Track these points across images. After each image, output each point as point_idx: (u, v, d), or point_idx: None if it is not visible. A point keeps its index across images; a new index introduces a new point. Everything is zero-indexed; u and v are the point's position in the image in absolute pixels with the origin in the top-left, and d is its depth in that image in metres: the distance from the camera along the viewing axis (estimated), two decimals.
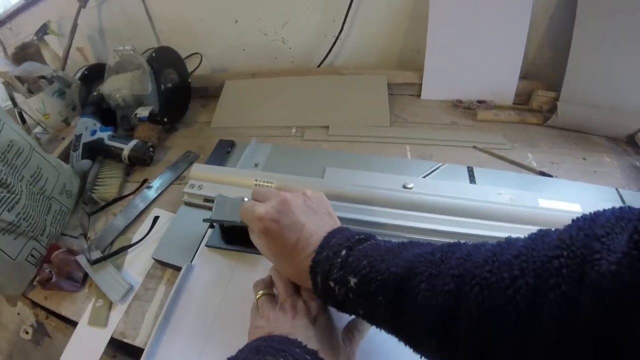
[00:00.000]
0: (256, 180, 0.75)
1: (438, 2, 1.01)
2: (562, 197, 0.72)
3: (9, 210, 0.67)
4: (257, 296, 0.52)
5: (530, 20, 1.00)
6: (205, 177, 0.79)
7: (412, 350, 0.39)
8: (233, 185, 0.77)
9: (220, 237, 0.69)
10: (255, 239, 0.53)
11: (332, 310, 0.49)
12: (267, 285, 0.53)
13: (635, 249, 0.24)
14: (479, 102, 1.05)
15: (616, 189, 0.77)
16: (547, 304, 0.28)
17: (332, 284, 0.42)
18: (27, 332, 0.87)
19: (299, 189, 0.53)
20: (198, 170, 0.81)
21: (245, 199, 0.62)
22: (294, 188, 0.54)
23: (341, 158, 0.87)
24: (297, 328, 0.44)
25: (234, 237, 0.67)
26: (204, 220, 0.65)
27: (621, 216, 0.29)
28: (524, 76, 1.10)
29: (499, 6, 1.00)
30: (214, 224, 0.69)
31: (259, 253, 0.54)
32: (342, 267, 0.42)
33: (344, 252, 0.43)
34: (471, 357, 0.33)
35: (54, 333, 0.67)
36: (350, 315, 0.46)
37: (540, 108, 1.03)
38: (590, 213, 0.31)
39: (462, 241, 0.39)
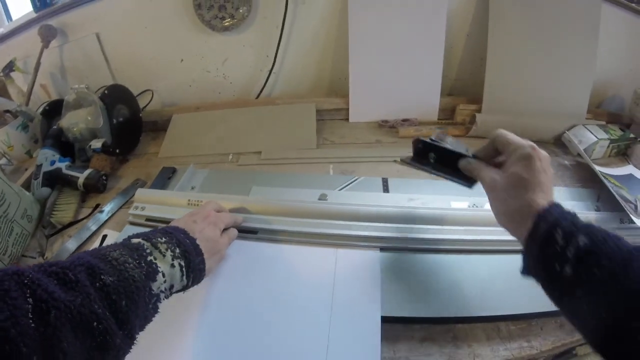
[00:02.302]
0: (189, 201, 0.87)
1: (356, 31, 1.12)
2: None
3: None
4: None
5: (447, 40, 1.09)
6: (147, 200, 0.91)
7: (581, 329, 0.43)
8: (169, 205, 0.88)
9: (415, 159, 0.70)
10: (487, 169, 0.56)
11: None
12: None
13: None
14: (404, 120, 1.14)
15: None
16: None
17: (559, 232, 0.43)
18: None
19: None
20: (141, 194, 0.92)
21: None
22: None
23: (268, 178, 0.98)
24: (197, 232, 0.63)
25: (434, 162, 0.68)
26: (416, 140, 0.68)
27: None
28: (448, 93, 1.21)
29: (415, 30, 1.09)
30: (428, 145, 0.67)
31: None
32: (576, 225, 0.44)
33: (579, 217, 0.45)
34: None
35: None
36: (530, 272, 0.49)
37: (464, 121, 1.11)
38: None
39: None
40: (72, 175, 1.04)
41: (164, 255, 0.54)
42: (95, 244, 0.90)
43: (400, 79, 1.15)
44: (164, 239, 0.56)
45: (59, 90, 1.44)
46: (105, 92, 1.12)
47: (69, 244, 0.91)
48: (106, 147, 1.09)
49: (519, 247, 0.51)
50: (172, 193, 0.93)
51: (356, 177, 0.95)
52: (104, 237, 0.90)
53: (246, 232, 0.81)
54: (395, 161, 1.01)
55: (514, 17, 1.04)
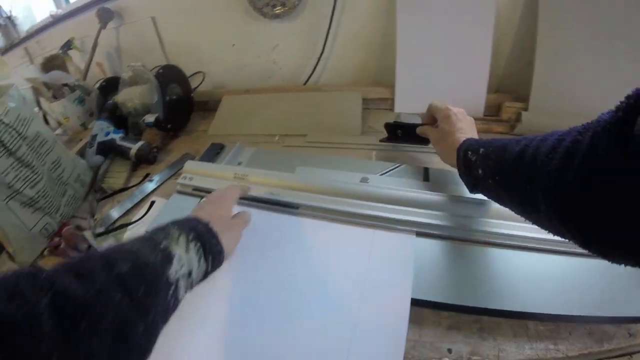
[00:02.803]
0: (235, 174, 0.89)
1: (404, 23, 1.12)
2: None
3: (31, 187, 0.83)
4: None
5: (495, 36, 1.07)
6: (196, 171, 0.94)
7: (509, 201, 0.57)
8: (216, 177, 0.91)
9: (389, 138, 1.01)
10: (431, 129, 0.85)
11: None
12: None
13: None
14: None
15: None
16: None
17: (469, 152, 0.64)
18: None
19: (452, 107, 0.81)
20: (190, 165, 0.96)
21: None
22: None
23: (312, 159, 0.99)
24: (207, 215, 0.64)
25: (402, 136, 0.99)
26: (386, 124, 0.99)
27: None
28: (496, 90, 1.18)
29: (463, 24, 1.08)
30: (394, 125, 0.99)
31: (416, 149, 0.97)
32: (478, 143, 0.63)
33: (481, 141, 0.64)
34: None
35: None
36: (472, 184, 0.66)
37: (509, 119, 1.09)
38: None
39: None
40: (125, 146, 1.09)
41: (178, 241, 0.53)
42: (143, 209, 0.93)
43: (447, 72, 1.14)
44: (175, 227, 0.55)
45: (114, 68, 1.51)
46: (160, 71, 1.16)
47: (121, 206, 0.95)
48: (158, 122, 1.13)
49: (557, 247, 0.67)
50: (219, 166, 0.95)
51: (397, 165, 0.94)
52: (152, 203, 0.94)
53: (288, 207, 0.83)
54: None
55: (566, 10, 1.00)
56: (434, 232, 0.74)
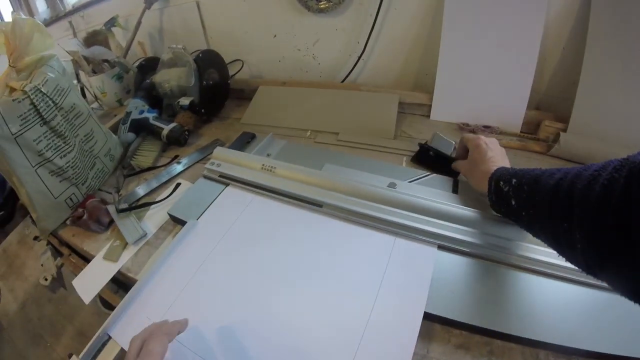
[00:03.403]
0: (263, 165, 0.89)
1: (449, 31, 1.10)
2: None
3: (61, 157, 0.84)
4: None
5: (540, 52, 1.04)
6: (224, 158, 0.94)
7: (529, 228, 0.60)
8: (244, 166, 0.91)
9: (419, 159, 1.00)
10: (462, 162, 0.84)
11: None
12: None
13: None
14: (485, 127, 1.10)
15: None
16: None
17: (501, 183, 0.64)
18: (46, 279, 1.01)
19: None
20: (219, 152, 0.95)
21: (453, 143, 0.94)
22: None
23: (342, 158, 0.98)
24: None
25: (431, 163, 0.97)
26: (420, 145, 0.98)
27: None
28: (536, 107, 1.16)
29: (509, 37, 1.05)
30: (428, 148, 0.97)
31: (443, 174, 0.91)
32: (510, 174, 0.63)
33: (512, 170, 0.64)
34: None
35: (71, 277, 0.81)
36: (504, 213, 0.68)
37: (547, 138, 1.05)
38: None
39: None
40: (157, 125, 1.09)
41: None
42: (168, 190, 0.93)
43: (488, 84, 1.12)
44: None
45: (154, 49, 1.52)
46: (200, 55, 1.17)
47: (147, 184, 0.96)
48: (193, 106, 1.14)
49: (582, 278, 0.65)
50: (248, 155, 0.94)
51: (427, 174, 0.92)
52: (178, 185, 0.94)
53: (311, 204, 0.82)
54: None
55: (616, 34, 0.97)
56: (457, 247, 0.71)
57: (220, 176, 0.92)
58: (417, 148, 1.00)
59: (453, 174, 0.91)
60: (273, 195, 0.85)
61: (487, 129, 1.10)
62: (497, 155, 0.75)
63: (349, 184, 0.82)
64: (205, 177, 0.93)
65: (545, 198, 0.51)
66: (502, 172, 0.66)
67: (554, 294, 0.65)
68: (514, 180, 0.60)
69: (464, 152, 0.85)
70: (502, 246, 0.70)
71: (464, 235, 0.72)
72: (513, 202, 0.60)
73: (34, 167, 0.80)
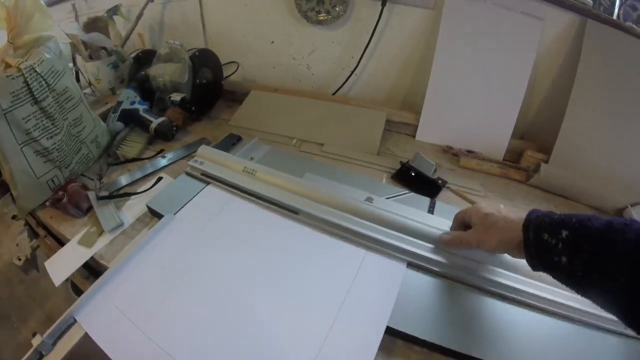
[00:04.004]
0: (245, 168, 0.90)
1: (442, 55, 1.13)
2: None
3: (47, 138, 0.85)
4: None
5: (530, 83, 1.08)
6: (208, 157, 0.95)
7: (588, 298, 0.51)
8: (226, 167, 0.92)
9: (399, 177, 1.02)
10: (467, 233, 0.69)
11: None
12: None
13: None
14: (468, 151, 1.12)
15: None
16: None
17: (545, 235, 0.53)
18: (19, 259, 1.01)
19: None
20: (204, 150, 0.97)
21: None
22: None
23: (323, 169, 1.00)
24: None
25: (411, 182, 0.99)
26: (401, 163, 1.03)
27: None
28: (520, 136, 1.19)
29: (499, 67, 1.10)
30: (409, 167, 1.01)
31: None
32: (555, 222, 0.53)
33: (555, 216, 0.54)
34: None
35: (44, 259, 0.82)
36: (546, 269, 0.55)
37: (528, 168, 1.08)
38: None
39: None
40: (147, 118, 1.11)
41: None
42: (150, 183, 0.94)
43: (475, 110, 1.15)
44: None
45: (153, 42, 1.54)
46: (196, 53, 1.19)
47: (130, 175, 0.97)
48: (184, 102, 1.15)
49: (537, 303, 0.66)
50: (231, 157, 0.96)
51: (406, 192, 0.94)
52: (159, 178, 0.95)
53: (288, 210, 0.83)
54: (447, 187, 1.00)
55: (604, 75, 1.01)
56: (426, 265, 0.73)
57: (202, 174, 0.93)
58: (398, 166, 1.02)
59: (431, 194, 0.94)
60: (251, 198, 0.86)
61: (471, 154, 1.12)
62: (505, 211, 0.64)
63: (327, 194, 0.84)
64: (187, 173, 0.94)
65: (622, 265, 0.45)
66: (540, 218, 0.55)
67: (517, 320, 0.66)
68: (564, 233, 0.51)
69: (461, 227, 0.74)
70: (470, 267, 0.71)
71: (434, 255, 0.74)
72: (563, 260, 0.50)
73: (19, 145, 0.81)
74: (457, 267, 0.72)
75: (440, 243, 0.74)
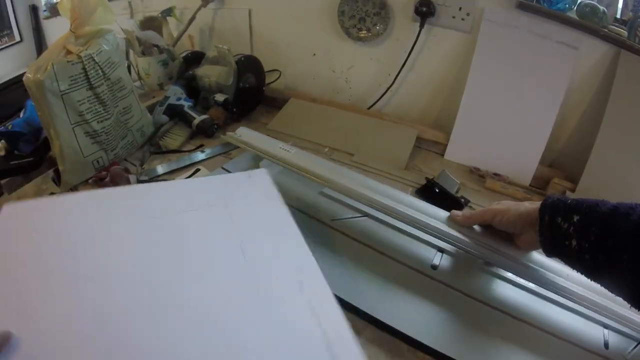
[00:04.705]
0: (280, 147, 0.94)
1: (475, 78, 1.16)
2: None
3: (98, 122, 0.92)
4: None
5: (560, 113, 1.09)
6: (246, 135, 1.01)
7: (597, 278, 0.52)
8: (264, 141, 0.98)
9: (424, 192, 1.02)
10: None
11: None
12: None
13: None
14: (495, 174, 1.13)
15: None
16: None
17: (559, 219, 0.54)
18: None
19: None
20: (244, 130, 1.03)
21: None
22: None
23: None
24: None
25: (434, 198, 0.98)
26: (427, 179, 1.02)
27: None
28: (549, 164, 1.20)
29: (531, 95, 1.11)
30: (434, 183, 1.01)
31: None
32: (568, 207, 0.54)
33: (568, 201, 0.55)
34: None
35: None
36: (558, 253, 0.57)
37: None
38: None
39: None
40: (190, 114, 1.18)
41: None
42: (187, 174, 1.00)
43: (504, 134, 1.17)
44: None
45: (202, 44, 1.62)
46: (242, 58, 1.26)
47: (169, 164, 1.03)
48: (226, 103, 1.22)
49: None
50: (269, 138, 1.00)
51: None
52: (197, 170, 1.01)
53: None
54: (469, 206, 1.01)
55: (635, 106, 1.02)
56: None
57: (241, 143, 0.98)
58: (424, 182, 1.05)
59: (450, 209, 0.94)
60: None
61: (497, 177, 1.13)
62: (519, 204, 0.64)
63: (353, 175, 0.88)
64: (224, 168, 1.01)
65: (625, 244, 0.46)
66: (556, 203, 0.56)
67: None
68: (575, 218, 0.52)
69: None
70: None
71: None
72: (574, 243, 0.52)
73: (72, 124, 0.88)
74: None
75: (452, 220, 0.73)
